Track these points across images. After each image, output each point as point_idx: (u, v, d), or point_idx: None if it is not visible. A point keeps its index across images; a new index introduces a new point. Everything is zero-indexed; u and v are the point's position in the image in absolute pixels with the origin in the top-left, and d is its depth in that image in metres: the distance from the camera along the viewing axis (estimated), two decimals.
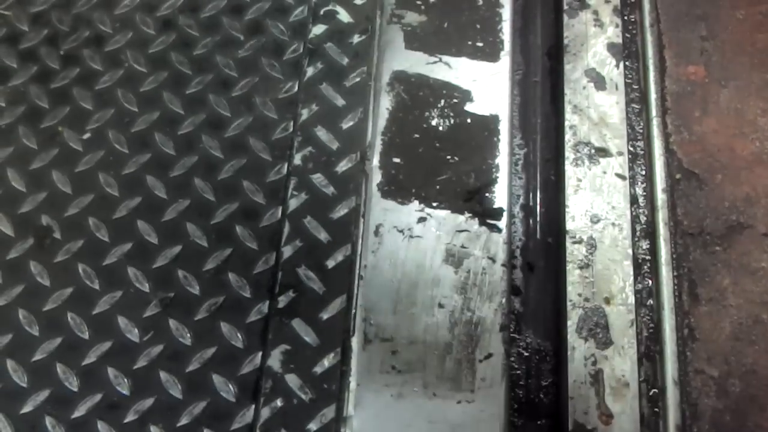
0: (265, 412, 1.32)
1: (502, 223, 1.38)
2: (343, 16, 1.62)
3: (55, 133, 1.55)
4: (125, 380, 1.36)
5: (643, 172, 1.43)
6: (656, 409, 1.27)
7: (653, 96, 1.47)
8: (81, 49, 1.63)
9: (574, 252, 1.36)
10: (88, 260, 1.44)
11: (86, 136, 1.55)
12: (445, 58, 1.51)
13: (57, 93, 1.59)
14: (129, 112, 1.57)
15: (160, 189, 1.49)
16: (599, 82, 1.48)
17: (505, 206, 1.39)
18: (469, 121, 1.46)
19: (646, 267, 1.36)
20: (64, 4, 1.66)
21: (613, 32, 1.52)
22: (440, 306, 1.33)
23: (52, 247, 1.46)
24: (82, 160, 1.52)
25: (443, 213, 1.39)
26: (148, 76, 1.60)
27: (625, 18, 1.55)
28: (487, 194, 1.40)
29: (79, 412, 1.34)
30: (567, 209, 1.38)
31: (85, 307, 1.41)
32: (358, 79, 1.56)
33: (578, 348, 1.29)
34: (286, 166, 1.50)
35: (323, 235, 1.43)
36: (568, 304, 1.33)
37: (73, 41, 1.63)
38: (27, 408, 1.34)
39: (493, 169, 1.42)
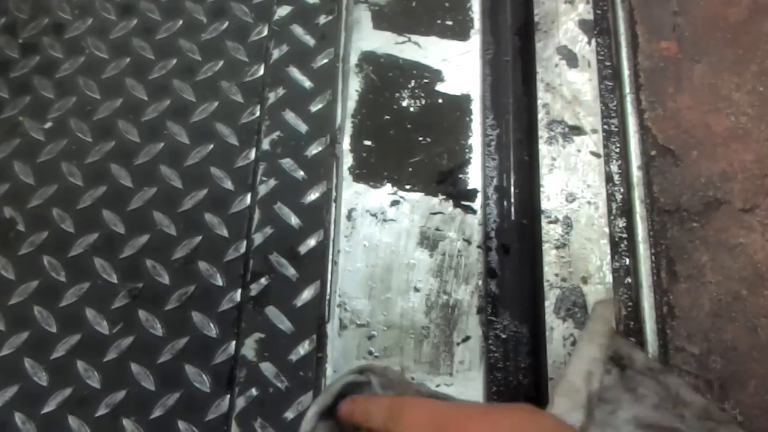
0: (241, 402, 1.30)
1: (477, 205, 1.36)
2: None
3: (16, 124, 1.51)
4: (95, 373, 1.33)
5: (618, 150, 1.41)
6: None
7: (626, 72, 1.45)
8: (40, 37, 1.59)
9: (550, 232, 1.34)
10: (54, 252, 1.41)
11: (48, 125, 1.51)
12: (414, 37, 1.49)
13: (17, 82, 1.55)
14: (91, 100, 1.53)
15: (125, 178, 1.46)
16: (571, 59, 1.46)
17: (479, 187, 1.37)
18: (440, 101, 1.44)
19: (623, 245, 1.35)
20: None
21: (583, 9, 1.51)
22: (416, 290, 1.31)
23: (16, 239, 1.42)
24: (44, 150, 1.49)
25: (416, 195, 1.37)
26: (110, 63, 1.56)
27: None
28: (460, 176, 1.38)
29: (49, 407, 1.31)
30: (542, 189, 1.37)
31: (51, 301, 1.38)
32: (325, 61, 1.53)
33: (556, 328, 1.28)
34: (254, 151, 1.47)
35: (294, 221, 1.41)
36: (545, 284, 1.31)
37: (32, 29, 1.60)
38: None
39: (467, 150, 1.40)
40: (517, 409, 0.91)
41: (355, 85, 1.46)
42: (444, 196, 1.37)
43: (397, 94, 1.45)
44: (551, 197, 1.36)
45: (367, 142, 1.41)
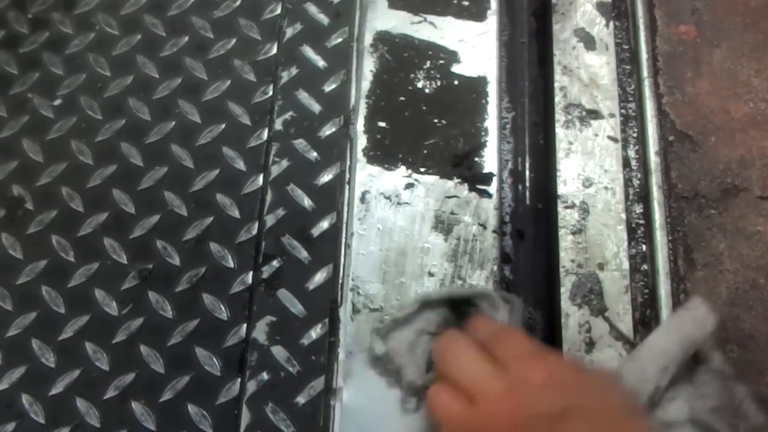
0: (252, 386, 1.28)
1: (493, 188, 1.34)
2: None
3: (25, 100, 1.50)
4: (104, 355, 1.31)
5: (636, 135, 1.39)
6: None
7: (644, 56, 1.43)
8: (50, 12, 1.57)
9: (567, 217, 1.32)
10: (62, 231, 1.40)
11: (57, 102, 1.50)
12: (430, 17, 1.47)
13: (26, 58, 1.53)
14: (101, 76, 1.51)
15: (135, 156, 1.44)
16: (589, 42, 1.44)
17: (495, 171, 1.35)
18: (456, 83, 1.42)
19: (640, 231, 1.33)
20: None
21: None
22: (430, 274, 1.29)
23: (24, 218, 1.41)
24: (53, 127, 1.47)
25: (431, 178, 1.35)
26: (121, 39, 1.54)
27: None
28: (476, 159, 1.36)
29: (56, 389, 1.29)
30: (558, 173, 1.35)
31: (60, 280, 1.36)
32: (339, 40, 1.51)
33: (572, 315, 1.26)
34: (266, 131, 1.45)
35: (307, 203, 1.39)
36: (561, 270, 1.29)
37: (41, 4, 1.58)
38: (2, 386, 1.30)
39: (482, 133, 1.38)
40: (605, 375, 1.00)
41: (369, 66, 1.43)
42: (459, 180, 1.35)
43: (412, 75, 1.42)
44: (568, 182, 1.35)
45: (382, 124, 1.39)
